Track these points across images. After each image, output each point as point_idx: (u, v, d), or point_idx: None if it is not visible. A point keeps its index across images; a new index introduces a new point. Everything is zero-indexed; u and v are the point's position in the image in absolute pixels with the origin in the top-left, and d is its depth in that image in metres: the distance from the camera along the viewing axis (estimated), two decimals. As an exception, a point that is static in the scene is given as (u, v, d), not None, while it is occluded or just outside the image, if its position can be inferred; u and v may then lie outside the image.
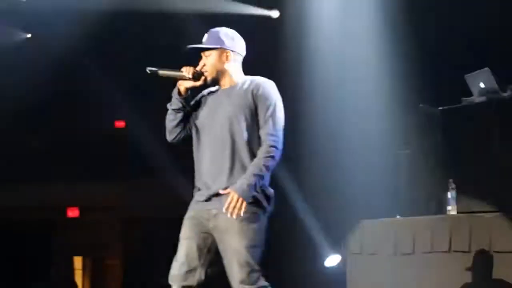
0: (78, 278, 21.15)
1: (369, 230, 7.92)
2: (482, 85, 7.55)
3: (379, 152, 9.34)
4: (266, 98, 4.69)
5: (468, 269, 6.90)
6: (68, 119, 17.81)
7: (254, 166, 4.57)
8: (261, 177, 4.55)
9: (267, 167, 4.57)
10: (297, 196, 10.86)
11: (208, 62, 4.79)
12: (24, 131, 17.86)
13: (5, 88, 16.07)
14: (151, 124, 11.13)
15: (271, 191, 4.71)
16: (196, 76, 4.76)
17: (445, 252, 7.14)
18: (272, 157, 4.59)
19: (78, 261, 21.41)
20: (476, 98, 7.60)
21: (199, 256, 4.68)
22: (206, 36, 4.86)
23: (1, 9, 15.34)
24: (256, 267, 4.58)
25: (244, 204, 4.48)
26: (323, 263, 10.13)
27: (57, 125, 17.92)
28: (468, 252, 6.95)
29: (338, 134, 10.24)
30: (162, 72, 4.75)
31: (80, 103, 17.73)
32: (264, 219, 4.67)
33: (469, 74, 7.69)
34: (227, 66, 4.81)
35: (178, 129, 4.85)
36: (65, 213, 17.17)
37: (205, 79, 4.80)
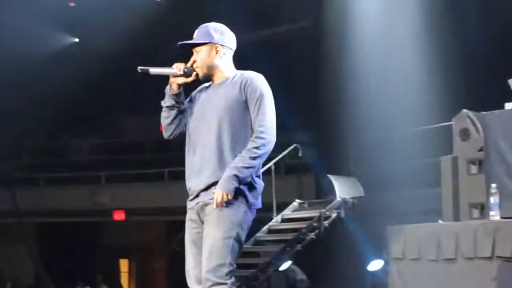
0: (124, 280, 21.33)
1: (411, 235, 7.86)
2: (525, 89, 7.45)
3: (423, 157, 9.29)
4: (254, 90, 4.61)
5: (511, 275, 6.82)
6: (115, 123, 18.02)
7: (239, 158, 4.50)
8: (245, 168, 4.48)
9: (253, 158, 4.49)
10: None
11: (199, 58, 4.72)
12: (74, 135, 18.09)
13: (55, 93, 16.33)
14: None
15: (258, 184, 4.62)
16: (187, 72, 4.69)
17: (488, 258, 7.05)
18: (259, 148, 4.51)
19: (124, 264, 21.60)
20: (520, 102, 7.51)
21: None
22: (196, 32, 4.78)
23: (50, 13, 15.60)
24: (228, 261, 4.46)
25: (225, 195, 4.45)
26: (366, 267, 10.09)
27: (104, 129, 18.13)
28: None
29: (382, 139, 10.21)
30: (153, 70, 4.70)
31: (127, 107, 17.94)
32: (246, 213, 4.57)
33: (512, 78, 7.59)
34: (217, 61, 4.73)
35: (173, 126, 4.78)
36: (111, 216, 17.29)
37: (197, 75, 4.73)
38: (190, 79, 4.72)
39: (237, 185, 4.48)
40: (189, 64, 4.72)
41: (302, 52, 13.13)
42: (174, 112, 4.76)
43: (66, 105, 17.07)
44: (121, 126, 18.68)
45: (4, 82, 15.11)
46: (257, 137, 4.55)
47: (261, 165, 4.65)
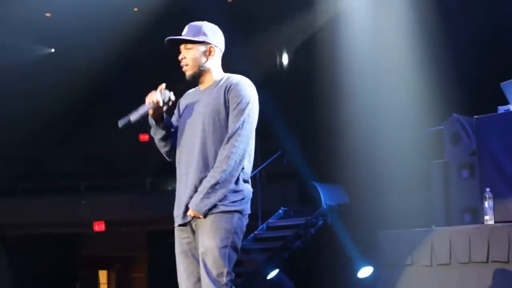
0: (103, 292, 21.16)
1: (404, 240, 7.82)
2: (518, 93, 7.47)
3: (414, 162, 9.29)
4: (236, 96, 4.42)
5: (507, 279, 6.80)
6: (92, 133, 17.86)
7: (210, 175, 4.36)
8: (217, 184, 4.33)
9: (223, 171, 4.32)
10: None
11: (189, 56, 4.53)
12: (50, 146, 17.90)
13: (30, 104, 16.15)
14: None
15: (245, 190, 4.47)
16: (165, 98, 4.49)
17: (483, 262, 7.03)
18: (229, 157, 4.34)
19: (103, 275, 21.43)
20: (512, 106, 7.51)
21: (198, 266, 4.47)
22: (186, 29, 4.57)
23: (25, 24, 15.45)
24: (226, 270, 4.33)
25: (198, 215, 4.36)
26: (356, 274, 10.06)
27: (82, 140, 17.96)
28: (507, 262, 6.83)
29: (372, 143, 10.21)
30: (133, 117, 4.44)
31: (105, 116, 17.81)
32: (238, 219, 4.42)
33: (505, 82, 7.60)
34: (209, 62, 4.55)
35: (174, 151, 4.63)
36: (91, 227, 17.11)
37: (170, 101, 4.52)
38: (170, 104, 4.54)
39: (209, 205, 4.34)
40: (180, 58, 4.55)
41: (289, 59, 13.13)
42: (170, 140, 4.63)
43: (43, 115, 16.89)
44: (99, 135, 18.50)
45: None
46: (228, 146, 4.38)
47: (250, 169, 4.51)
